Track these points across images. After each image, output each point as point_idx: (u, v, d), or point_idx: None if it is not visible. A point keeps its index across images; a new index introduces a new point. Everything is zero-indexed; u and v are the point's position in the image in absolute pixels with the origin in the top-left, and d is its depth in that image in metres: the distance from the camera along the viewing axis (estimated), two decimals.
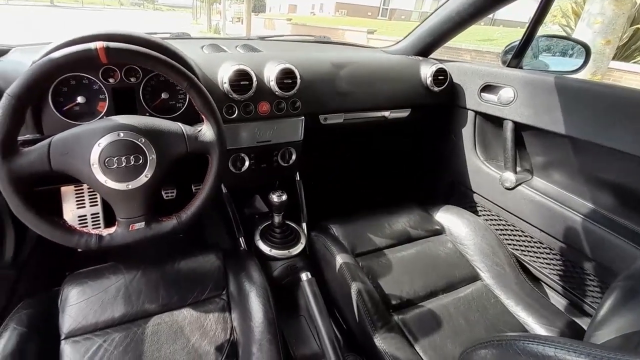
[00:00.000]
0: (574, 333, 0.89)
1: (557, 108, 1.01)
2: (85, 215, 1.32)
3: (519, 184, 1.19)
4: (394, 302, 0.94)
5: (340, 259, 0.98)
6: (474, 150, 1.35)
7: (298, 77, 1.07)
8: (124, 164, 0.66)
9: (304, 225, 1.23)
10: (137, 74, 0.93)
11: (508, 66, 1.26)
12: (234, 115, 1.05)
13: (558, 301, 1.17)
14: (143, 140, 0.69)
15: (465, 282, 1.06)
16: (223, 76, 1.00)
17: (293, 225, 1.19)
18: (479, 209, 1.39)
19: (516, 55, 1.20)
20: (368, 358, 0.86)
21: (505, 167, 1.23)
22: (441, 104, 1.37)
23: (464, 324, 0.93)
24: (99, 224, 1.35)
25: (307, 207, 1.23)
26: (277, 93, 1.07)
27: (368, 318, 0.86)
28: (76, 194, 1.29)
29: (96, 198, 1.33)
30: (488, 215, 1.35)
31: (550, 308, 0.97)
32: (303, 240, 1.14)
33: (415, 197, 1.39)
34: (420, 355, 0.82)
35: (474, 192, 1.37)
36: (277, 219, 1.11)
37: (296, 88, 1.08)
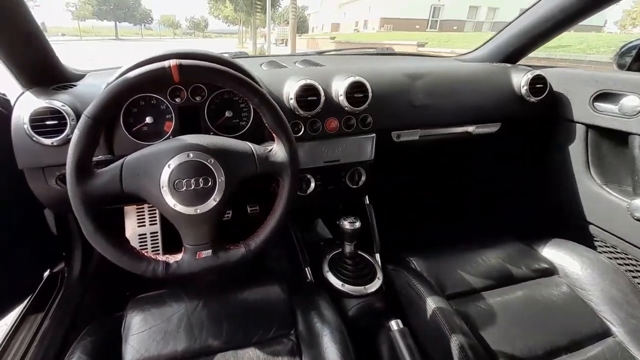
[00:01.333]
0: None
1: None
2: (144, 234, 1.34)
3: None
4: None
5: (431, 302, 0.82)
6: (587, 171, 1.11)
7: (369, 90, 0.98)
8: (192, 187, 0.63)
9: (378, 256, 1.08)
10: (202, 93, 0.91)
11: (628, 70, 1.01)
12: (300, 134, 0.98)
13: None
14: (212, 161, 0.66)
15: (593, 339, 0.83)
16: (289, 92, 0.94)
17: (366, 256, 1.04)
18: (597, 244, 1.11)
19: (637, 58, 0.96)
20: None
21: (636, 193, 0.96)
22: (540, 116, 1.16)
23: None
24: (158, 243, 1.34)
25: (379, 235, 1.08)
26: (346, 108, 0.98)
27: None
28: (137, 212, 1.31)
29: (155, 218, 1.34)
30: (612, 252, 1.08)
31: None
32: (380, 275, 0.99)
33: (510, 228, 1.16)
34: None
35: (590, 223, 1.11)
36: (348, 248, 0.99)
37: (367, 102, 0.98)
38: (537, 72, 1.13)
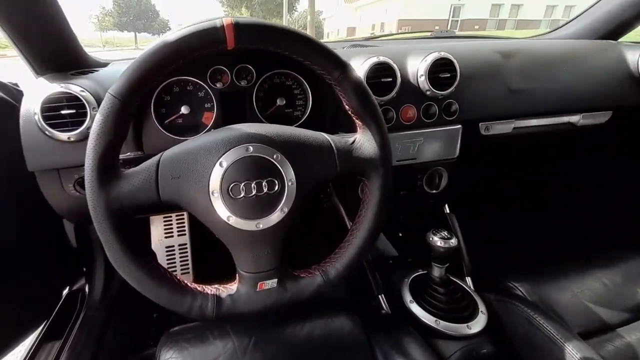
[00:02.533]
0: None
1: None
2: (172, 247, 1.17)
3: None
4: None
5: (569, 347, 0.61)
6: None
7: (457, 69, 0.77)
8: (254, 193, 0.47)
9: (469, 281, 0.86)
10: (249, 75, 0.76)
11: None
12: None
13: None
14: (279, 156, 0.48)
15: None
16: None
17: (458, 281, 0.82)
18: None
19: None
20: None
21: None
22: None
23: None
24: (187, 258, 1.17)
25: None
26: (427, 93, 0.79)
27: None
28: (165, 220, 1.14)
29: (184, 227, 1.17)
30: None
31: None
32: (483, 308, 0.77)
33: (626, 239, 0.93)
34: None
35: None
36: (438, 272, 0.79)
37: (454, 85, 0.77)
38: None
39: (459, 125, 0.85)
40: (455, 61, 0.79)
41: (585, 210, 1.24)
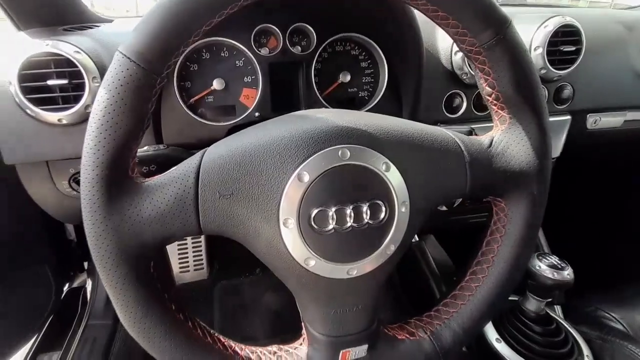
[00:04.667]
0: None
1: None
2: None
3: None
4: None
5: None
6: None
7: (584, 41, 0.56)
8: (349, 223, 0.30)
9: (559, 310, 0.69)
10: (304, 40, 0.57)
11: None
12: (460, 112, 0.60)
13: None
14: (389, 166, 0.31)
15: None
16: (452, 43, 0.54)
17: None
18: None
19: None
20: None
21: None
22: None
23: None
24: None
25: None
26: (541, 72, 0.58)
27: None
28: (179, 249, 0.95)
29: (202, 257, 0.98)
30: None
31: None
32: (587, 351, 0.60)
33: None
34: None
35: None
36: (536, 306, 0.60)
37: (578, 61, 0.57)
38: None
39: (568, 117, 0.66)
40: (582, 30, 0.58)
41: None
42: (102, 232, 0.28)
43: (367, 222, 0.30)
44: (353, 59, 0.59)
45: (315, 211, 0.29)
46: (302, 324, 0.37)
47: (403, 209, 0.31)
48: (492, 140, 0.36)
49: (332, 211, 0.29)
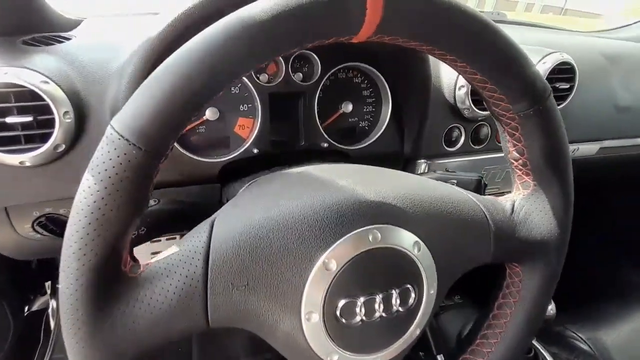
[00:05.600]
0: None
1: None
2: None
3: None
4: None
5: None
6: None
7: (577, 77, 0.57)
8: (378, 313, 0.27)
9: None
10: (306, 66, 0.53)
11: None
12: (458, 145, 0.59)
13: None
14: (420, 247, 0.29)
15: None
16: (457, 76, 0.52)
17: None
18: None
19: None
20: None
21: None
22: None
23: None
24: None
25: None
26: None
27: None
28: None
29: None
30: None
31: None
32: None
33: None
34: None
35: None
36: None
37: (571, 96, 0.58)
38: None
39: None
40: (576, 67, 0.59)
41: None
42: (90, 352, 0.22)
43: (396, 311, 0.28)
44: (355, 87, 0.55)
45: (342, 303, 0.26)
46: None
47: (432, 291, 0.30)
48: (514, 206, 0.35)
49: (360, 302, 0.26)
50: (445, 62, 0.29)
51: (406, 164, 0.59)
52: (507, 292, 0.38)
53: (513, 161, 0.35)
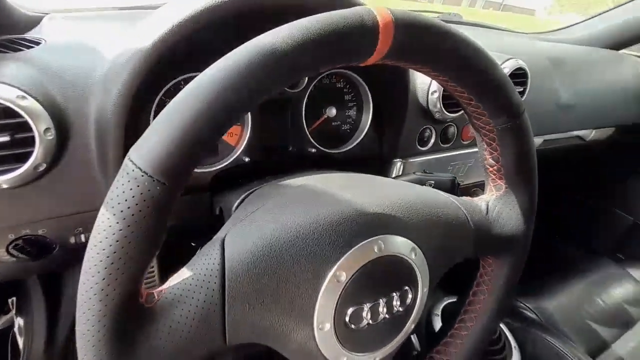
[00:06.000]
0: None
1: None
2: None
3: None
4: None
5: None
6: None
7: (529, 82, 0.64)
8: (382, 315, 0.30)
9: None
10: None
11: None
12: (429, 145, 0.63)
13: None
14: (416, 252, 0.32)
15: None
16: (431, 81, 0.56)
17: None
18: None
19: None
20: None
21: None
22: None
23: None
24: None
25: None
26: None
27: None
28: None
29: (154, 275, 0.87)
30: None
31: None
32: (514, 342, 0.72)
33: (599, 246, 1.00)
34: None
35: None
36: None
37: (524, 98, 0.66)
38: None
39: None
40: (528, 72, 0.65)
41: (565, 219, 1.27)
42: None
43: (395, 312, 0.31)
44: (338, 92, 0.57)
45: (350, 310, 0.28)
46: None
47: (425, 289, 0.33)
48: (488, 206, 0.39)
49: (367, 307, 0.29)
50: (436, 80, 0.32)
51: (383, 164, 0.63)
52: (481, 281, 0.43)
53: (488, 167, 0.39)
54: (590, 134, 0.93)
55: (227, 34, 0.40)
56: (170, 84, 0.44)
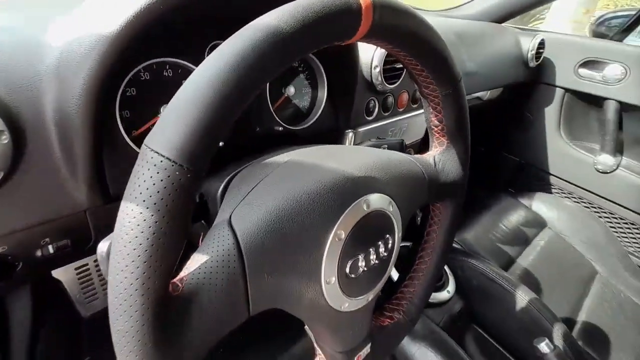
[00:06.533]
0: None
1: None
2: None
3: (617, 168, 1.11)
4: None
5: (520, 292, 0.81)
6: (557, 131, 1.24)
7: None
8: (373, 262, 0.35)
9: None
10: None
11: (611, 39, 1.11)
12: (374, 115, 0.71)
13: None
14: (393, 206, 0.36)
15: (586, 280, 1.01)
16: (373, 57, 0.62)
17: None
18: (562, 195, 1.30)
19: (627, 29, 1.05)
20: None
21: (603, 150, 1.16)
22: (531, 81, 1.19)
23: (610, 331, 0.87)
24: None
25: None
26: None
27: None
28: (79, 277, 0.76)
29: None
30: (582, 202, 1.27)
31: None
32: (448, 270, 0.88)
33: (496, 181, 1.23)
34: None
35: (553, 175, 1.27)
36: None
37: None
38: (542, 36, 1.12)
39: (421, 110, 0.87)
40: None
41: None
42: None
43: (381, 257, 0.35)
44: (294, 71, 0.59)
45: (350, 263, 0.32)
46: (316, 345, 0.40)
47: (399, 234, 0.38)
48: (434, 159, 0.46)
49: (361, 257, 0.33)
50: (397, 56, 0.36)
51: (338, 136, 0.68)
52: (432, 222, 0.50)
53: (434, 127, 0.46)
54: (486, 95, 1.13)
55: (190, 16, 0.39)
56: (138, 68, 0.42)
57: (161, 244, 0.21)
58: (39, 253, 0.40)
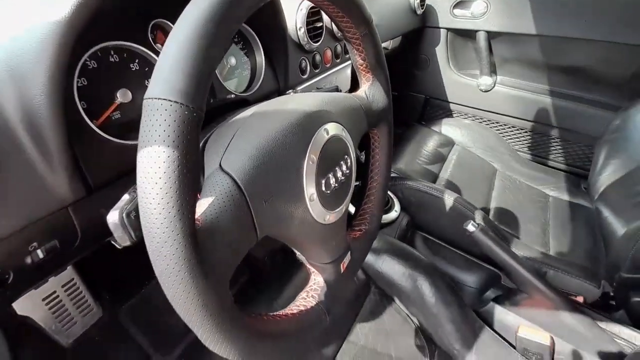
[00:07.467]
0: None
1: (527, 12, 1.17)
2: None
3: (495, 85, 1.37)
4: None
5: (446, 195, 1.01)
6: (447, 65, 1.46)
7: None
8: (340, 179, 0.41)
9: None
10: None
11: None
12: (307, 74, 0.77)
13: (555, 169, 1.42)
14: (345, 131, 0.43)
15: (490, 177, 1.26)
16: (296, 20, 0.68)
17: None
18: (461, 116, 1.54)
19: None
20: None
21: (482, 73, 1.39)
22: (423, 27, 1.35)
23: (515, 209, 1.12)
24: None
25: None
26: (338, 35, 0.83)
27: None
28: (50, 307, 0.72)
29: (84, 297, 0.77)
30: (473, 119, 1.52)
31: (557, 175, 1.26)
32: (391, 194, 1.02)
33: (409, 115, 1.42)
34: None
35: (451, 102, 1.51)
36: None
37: None
38: None
39: (350, 62, 0.95)
40: None
41: None
42: (208, 299, 0.26)
43: (344, 173, 0.41)
44: (231, 42, 0.61)
45: (323, 181, 0.38)
46: (308, 265, 0.45)
47: (354, 155, 0.44)
48: (365, 93, 0.52)
49: (331, 175, 0.39)
50: (319, 6, 0.41)
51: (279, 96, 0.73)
52: (374, 147, 0.56)
53: (359, 66, 0.51)
54: (389, 44, 1.25)
55: None
56: (84, 57, 0.41)
57: (186, 178, 0.23)
58: (28, 260, 0.39)
